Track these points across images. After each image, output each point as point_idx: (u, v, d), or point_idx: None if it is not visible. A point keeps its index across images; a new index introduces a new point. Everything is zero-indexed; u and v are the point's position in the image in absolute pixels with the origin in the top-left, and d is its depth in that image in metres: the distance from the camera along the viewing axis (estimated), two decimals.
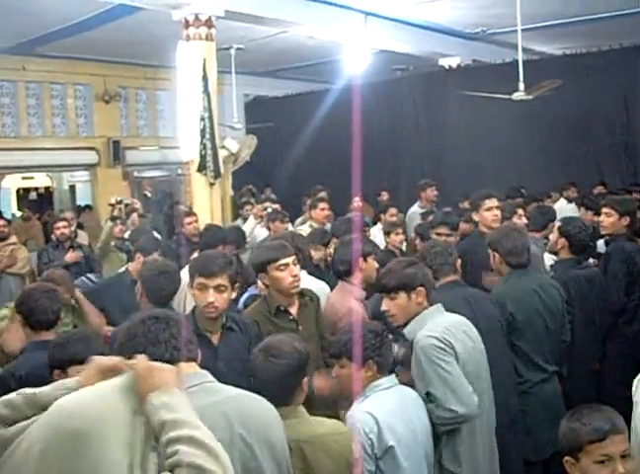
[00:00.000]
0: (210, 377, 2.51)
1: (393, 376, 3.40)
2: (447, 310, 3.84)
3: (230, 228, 7.77)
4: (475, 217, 5.99)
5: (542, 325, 4.49)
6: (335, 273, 4.73)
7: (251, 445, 2.39)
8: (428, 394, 3.48)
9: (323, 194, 10.31)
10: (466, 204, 8.60)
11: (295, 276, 4.11)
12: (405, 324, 3.69)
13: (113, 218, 8.19)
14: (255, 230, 9.00)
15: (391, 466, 3.16)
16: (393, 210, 9.00)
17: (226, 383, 2.62)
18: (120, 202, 8.47)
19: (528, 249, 4.71)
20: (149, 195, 16.95)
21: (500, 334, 4.24)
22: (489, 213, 5.83)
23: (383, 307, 3.76)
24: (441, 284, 4.28)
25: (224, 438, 2.25)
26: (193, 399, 2.26)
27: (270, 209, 9.17)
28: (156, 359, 2.22)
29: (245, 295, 5.17)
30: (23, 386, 3.44)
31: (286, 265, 4.08)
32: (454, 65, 14.45)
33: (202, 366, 2.53)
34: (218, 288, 3.64)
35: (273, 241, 4.56)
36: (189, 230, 8.04)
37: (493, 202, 5.89)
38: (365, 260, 4.61)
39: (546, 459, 4.44)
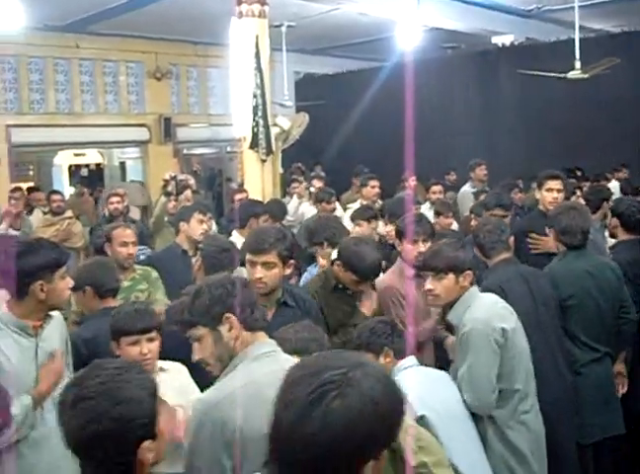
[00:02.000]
0: (276, 347, 2.62)
1: (412, 357, 3.43)
2: (504, 287, 3.82)
3: (270, 201, 7.79)
4: (537, 195, 5.92)
5: (594, 306, 4.42)
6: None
7: None
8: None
9: (365, 172, 10.32)
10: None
11: (361, 290, 4.18)
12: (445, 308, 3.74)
13: (166, 194, 8.23)
14: (300, 208, 9.03)
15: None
16: (436, 188, 8.92)
17: None
18: (173, 178, 8.48)
19: (586, 231, 4.61)
20: (198, 172, 17.06)
21: (554, 312, 4.21)
22: (548, 194, 5.72)
23: (427, 286, 3.73)
24: (495, 263, 4.27)
25: None
26: (257, 367, 2.46)
27: (312, 189, 9.19)
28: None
29: (305, 274, 5.19)
30: (90, 348, 3.55)
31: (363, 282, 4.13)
32: (507, 43, 14.25)
33: None
34: (267, 265, 3.67)
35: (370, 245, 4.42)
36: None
37: (555, 185, 5.75)
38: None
39: (598, 443, 4.39)
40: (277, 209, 7.22)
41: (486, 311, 3.58)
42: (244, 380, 2.41)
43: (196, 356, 2.57)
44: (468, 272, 3.65)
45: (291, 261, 3.86)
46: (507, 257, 4.33)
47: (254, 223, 6.27)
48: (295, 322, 3.66)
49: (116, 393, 1.86)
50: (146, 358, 3.30)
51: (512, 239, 4.45)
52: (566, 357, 4.23)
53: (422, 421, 3.15)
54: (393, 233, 5.03)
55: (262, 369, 2.45)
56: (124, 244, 5.11)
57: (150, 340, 3.33)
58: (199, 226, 5.73)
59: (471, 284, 3.69)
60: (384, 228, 6.27)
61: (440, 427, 3.18)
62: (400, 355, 3.39)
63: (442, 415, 3.24)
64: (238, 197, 8.27)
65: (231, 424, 2.30)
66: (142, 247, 7.42)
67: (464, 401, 3.47)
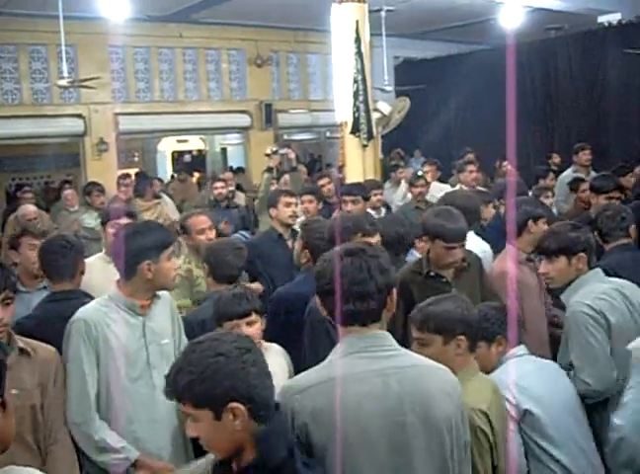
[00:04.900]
0: (385, 342, 2.40)
1: (523, 346, 3.39)
2: (615, 271, 3.75)
3: (366, 180, 7.82)
4: None
5: None
6: (503, 234, 4.58)
7: (403, 421, 2.28)
8: (571, 363, 3.47)
9: (471, 156, 10.23)
10: None
11: (457, 259, 4.07)
12: (563, 288, 3.67)
13: (269, 169, 8.27)
14: (408, 194, 9.06)
15: (535, 429, 3.13)
16: (552, 175, 8.95)
17: None
18: (275, 153, 8.47)
19: None
20: (299, 158, 17.21)
21: None
22: None
23: (541, 270, 3.76)
24: (612, 247, 4.19)
25: (374, 409, 2.26)
26: (348, 364, 2.31)
27: (420, 172, 9.19)
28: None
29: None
30: (204, 329, 3.63)
31: (453, 248, 4.02)
32: (615, 22, 13.75)
33: None
34: None
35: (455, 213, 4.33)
36: (322, 192, 7.84)
37: None
38: (536, 222, 4.45)
39: None
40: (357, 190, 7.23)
41: (594, 296, 3.51)
42: (326, 376, 2.30)
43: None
44: (582, 254, 3.61)
45: None
46: (624, 242, 4.25)
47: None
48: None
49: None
50: None
51: (633, 227, 4.35)
52: None
53: (525, 416, 3.12)
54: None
55: (354, 368, 2.31)
56: (202, 231, 5.12)
57: (249, 323, 3.36)
58: (287, 209, 5.84)
59: (589, 267, 3.64)
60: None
61: (548, 421, 3.13)
62: (513, 342, 3.33)
63: (551, 409, 3.18)
64: (320, 182, 8.21)
65: (300, 418, 2.23)
66: (243, 232, 7.60)
67: (580, 391, 3.39)
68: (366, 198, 6.55)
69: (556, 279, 3.70)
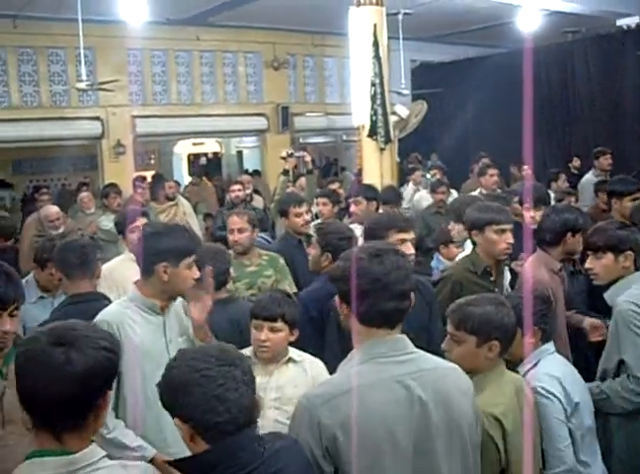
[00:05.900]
0: (403, 346, 2.37)
1: (552, 343, 3.39)
2: None
3: (384, 188, 7.83)
4: None
5: None
6: (538, 240, 4.43)
7: (427, 423, 2.28)
8: (621, 362, 3.44)
9: (486, 160, 10.21)
10: None
11: (509, 244, 4.13)
12: (606, 287, 3.68)
13: (285, 172, 8.27)
14: (415, 195, 9.05)
15: (577, 423, 3.14)
16: (564, 176, 8.93)
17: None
18: (291, 155, 8.44)
19: None
20: (315, 161, 17.19)
21: None
22: None
23: (587, 265, 3.78)
24: None
25: (399, 414, 2.26)
26: (366, 372, 2.29)
27: (428, 176, 9.19)
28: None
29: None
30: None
31: (504, 231, 4.10)
32: (633, 26, 13.66)
33: None
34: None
35: (493, 203, 4.42)
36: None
37: None
38: (574, 235, 4.27)
39: None
40: (392, 196, 7.26)
41: None
42: (349, 385, 2.26)
43: None
44: (629, 252, 3.63)
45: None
46: None
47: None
48: (420, 307, 3.55)
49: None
50: (263, 345, 3.33)
51: None
52: None
53: (577, 407, 3.14)
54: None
55: (376, 375, 2.29)
56: (231, 231, 5.21)
57: (272, 329, 3.35)
58: (297, 220, 5.89)
59: (635, 267, 3.65)
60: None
61: (581, 418, 3.16)
62: (545, 338, 3.35)
63: (587, 404, 3.24)
64: (331, 187, 8.27)
65: (329, 431, 2.20)
66: (262, 234, 7.60)
67: (635, 391, 3.37)
68: (369, 199, 6.57)
69: (601, 276, 3.72)
